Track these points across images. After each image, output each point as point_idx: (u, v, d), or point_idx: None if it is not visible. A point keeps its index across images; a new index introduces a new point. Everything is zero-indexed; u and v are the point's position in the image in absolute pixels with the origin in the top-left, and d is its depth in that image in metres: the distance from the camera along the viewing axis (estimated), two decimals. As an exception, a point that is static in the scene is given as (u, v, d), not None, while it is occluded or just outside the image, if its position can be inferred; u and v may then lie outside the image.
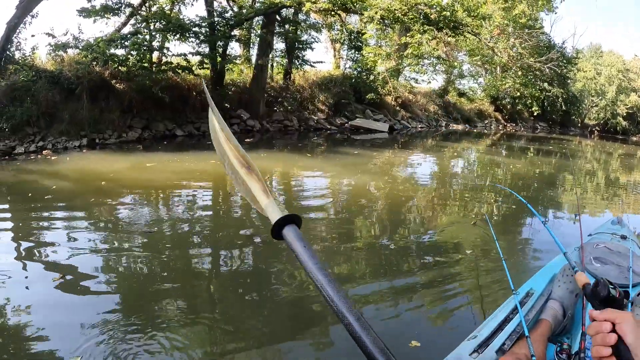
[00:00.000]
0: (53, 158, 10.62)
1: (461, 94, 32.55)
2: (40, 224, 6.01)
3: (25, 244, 5.12)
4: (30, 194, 7.44)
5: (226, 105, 16.82)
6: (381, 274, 4.59)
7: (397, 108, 24.44)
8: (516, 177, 11.59)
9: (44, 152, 11.21)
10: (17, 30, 13.25)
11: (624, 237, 3.52)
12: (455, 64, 30.17)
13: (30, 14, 13.46)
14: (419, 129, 24.45)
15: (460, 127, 27.76)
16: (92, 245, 5.08)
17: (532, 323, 2.24)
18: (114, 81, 14.13)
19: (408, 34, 20.40)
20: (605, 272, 2.74)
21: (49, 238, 5.35)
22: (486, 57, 30.67)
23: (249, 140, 15.33)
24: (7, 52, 13.04)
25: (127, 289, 4.06)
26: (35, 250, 4.95)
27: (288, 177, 10.40)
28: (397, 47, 23.64)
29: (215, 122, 1.30)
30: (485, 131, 27.76)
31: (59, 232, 5.64)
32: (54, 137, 11.98)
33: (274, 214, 1.03)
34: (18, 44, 13.41)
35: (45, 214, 6.46)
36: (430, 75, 27.13)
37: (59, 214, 6.53)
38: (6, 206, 7.05)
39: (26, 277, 4.22)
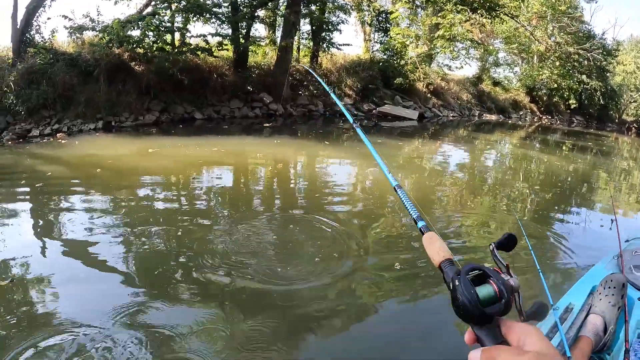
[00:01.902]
0: (63, 142, 10.41)
1: (496, 83, 31.11)
2: (20, 211, 5.81)
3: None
4: (23, 181, 7.32)
5: (249, 88, 16.35)
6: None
7: (429, 95, 23.44)
8: (549, 174, 10.64)
9: (58, 135, 11.01)
10: (37, 14, 13.06)
11: None
12: (490, 48, 28.80)
13: (50, -4, 13.25)
14: (451, 117, 23.33)
15: (493, 117, 26.50)
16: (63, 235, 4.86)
17: (572, 340, 2.10)
18: (132, 63, 13.83)
19: (439, 14, 19.48)
20: None
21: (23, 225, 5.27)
22: (523, 45, 29.29)
23: (269, 124, 14.85)
24: (27, 35, 12.89)
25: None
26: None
27: (311, 165, 9.89)
28: (428, 28, 22.63)
29: None
30: (520, 123, 26.28)
31: (32, 220, 5.51)
32: (70, 120, 11.79)
33: None
34: (37, 27, 13.23)
35: (26, 202, 6.31)
36: (463, 60, 25.71)
37: (42, 203, 6.24)
38: None
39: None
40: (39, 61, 11.99)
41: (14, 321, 3.14)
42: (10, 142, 10.32)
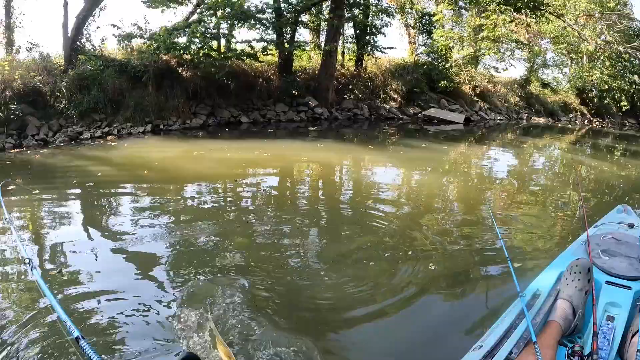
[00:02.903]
0: (113, 144, 10.48)
1: (544, 85, 29.79)
2: (71, 208, 5.99)
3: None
4: (74, 180, 7.42)
5: (294, 92, 16.18)
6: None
7: (475, 98, 22.65)
8: (599, 180, 9.77)
9: (108, 137, 11.13)
10: (87, 23, 13.35)
11: (631, 226, 3.27)
12: (537, 48, 27.77)
13: (99, 6, 13.52)
14: (498, 121, 22.35)
15: (542, 120, 25.36)
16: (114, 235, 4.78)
17: (540, 326, 2.11)
18: (180, 69, 13.89)
19: (483, 15, 18.89)
20: (615, 265, 2.56)
21: (72, 223, 5.28)
22: (572, 45, 28.11)
23: (314, 128, 14.60)
24: (78, 43, 13.15)
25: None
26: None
27: (356, 169, 9.54)
28: (472, 30, 21.99)
29: None
30: (570, 126, 24.76)
31: (82, 216, 5.60)
32: (120, 123, 11.93)
33: None
34: (87, 35, 13.54)
35: (77, 200, 6.50)
36: (508, 61, 24.77)
37: (91, 201, 6.35)
38: (45, 190, 6.85)
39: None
40: (89, 67, 12.29)
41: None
42: (62, 144, 10.49)
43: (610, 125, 28.52)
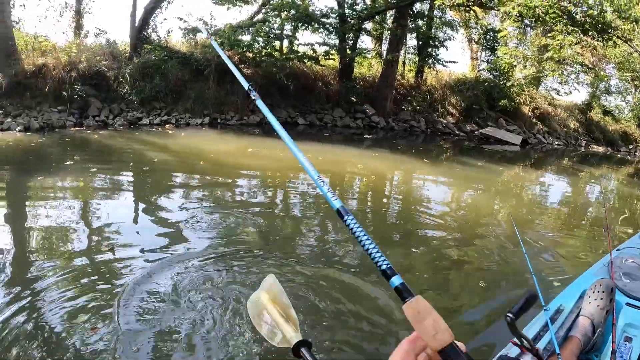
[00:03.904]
0: (171, 132, 10.34)
1: (606, 112, 28.26)
2: (126, 189, 5.96)
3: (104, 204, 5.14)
4: (131, 164, 7.44)
5: (352, 98, 15.76)
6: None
7: (534, 120, 21.69)
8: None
9: (166, 125, 11.04)
10: (154, 14, 13.44)
11: None
12: (602, 74, 26.47)
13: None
14: (555, 146, 21.17)
15: (601, 149, 23.92)
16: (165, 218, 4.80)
17: (562, 340, 2.13)
18: (242, 66, 13.69)
19: (549, 35, 18.02)
20: (635, 288, 2.56)
21: (122, 203, 5.29)
22: (637, 72, 26.73)
23: (369, 136, 14.13)
24: (144, 33, 13.22)
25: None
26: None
27: (407, 182, 9.05)
28: (537, 49, 21.10)
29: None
30: (629, 157, 23.13)
31: (135, 198, 5.55)
32: (179, 113, 11.84)
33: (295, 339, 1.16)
34: (154, 26, 13.65)
35: (132, 183, 6.39)
36: (572, 85, 23.56)
37: (146, 185, 6.38)
38: (102, 170, 6.72)
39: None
40: (154, 57, 12.29)
41: (106, 286, 3.14)
42: (121, 127, 10.46)
43: (673, 159, 26.78)
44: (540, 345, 2.03)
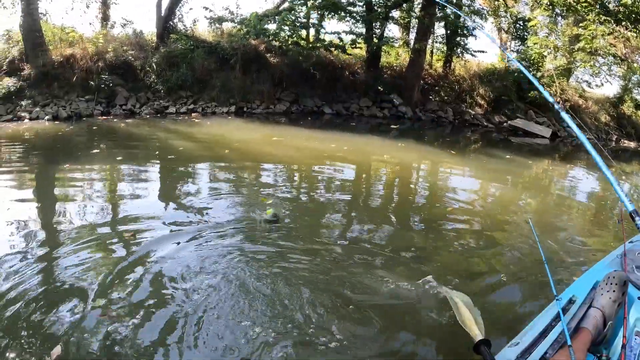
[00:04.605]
0: (197, 121, 10.27)
1: (638, 106, 27.33)
2: (151, 176, 5.98)
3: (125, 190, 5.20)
4: (157, 152, 7.39)
5: (379, 88, 15.43)
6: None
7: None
8: None
9: (192, 114, 11.00)
10: (180, 4, 13.40)
11: None
12: (635, 65, 25.59)
13: (193, -12, 13.52)
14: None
15: (632, 144, 22.99)
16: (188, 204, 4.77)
17: (573, 331, 2.06)
18: (267, 54, 13.57)
19: (580, 25, 17.43)
20: None
21: (146, 190, 5.21)
22: (671, 64, 25.72)
23: (396, 126, 13.86)
24: (170, 23, 13.16)
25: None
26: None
27: (433, 173, 8.80)
28: (568, 40, 20.45)
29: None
30: None
31: (160, 185, 5.55)
32: (205, 102, 11.78)
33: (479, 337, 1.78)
34: (180, 16, 13.59)
35: (157, 170, 6.40)
36: (603, 77, 22.77)
37: (171, 172, 6.29)
38: (128, 157, 6.73)
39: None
40: (180, 46, 12.20)
41: (128, 268, 3.18)
42: (148, 116, 10.47)
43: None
44: (552, 336, 2.03)
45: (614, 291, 2.25)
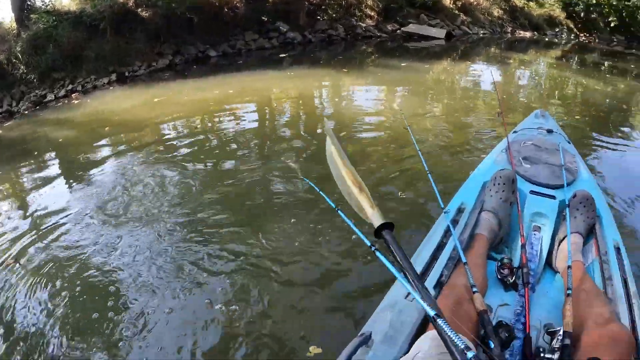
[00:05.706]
0: (76, 102, 9.87)
1: (528, -3, 27.84)
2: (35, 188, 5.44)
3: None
4: (35, 152, 6.81)
5: (263, 18, 15.10)
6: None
7: (456, 12, 21.30)
8: (586, 98, 9.17)
9: (73, 95, 10.46)
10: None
11: (550, 131, 3.21)
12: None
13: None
14: (481, 35, 20.67)
15: (527, 34, 23.59)
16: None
17: (467, 240, 2.03)
18: (138, 10, 12.83)
19: None
20: (537, 173, 2.51)
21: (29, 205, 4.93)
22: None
23: (286, 54, 13.83)
24: (28, 3, 12.22)
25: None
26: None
27: (333, 97, 9.02)
28: None
29: (334, 151, 1.85)
30: (555, 40, 22.67)
31: (37, 197, 5.10)
32: (83, 78, 11.18)
33: (377, 221, 1.54)
34: (37, -8, 12.44)
35: (41, 176, 5.81)
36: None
37: (55, 174, 5.91)
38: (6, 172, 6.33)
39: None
40: (42, 26, 11.37)
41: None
42: (27, 111, 9.84)
43: (597, 41, 26.75)
44: (446, 254, 1.93)
45: (503, 191, 2.19)
